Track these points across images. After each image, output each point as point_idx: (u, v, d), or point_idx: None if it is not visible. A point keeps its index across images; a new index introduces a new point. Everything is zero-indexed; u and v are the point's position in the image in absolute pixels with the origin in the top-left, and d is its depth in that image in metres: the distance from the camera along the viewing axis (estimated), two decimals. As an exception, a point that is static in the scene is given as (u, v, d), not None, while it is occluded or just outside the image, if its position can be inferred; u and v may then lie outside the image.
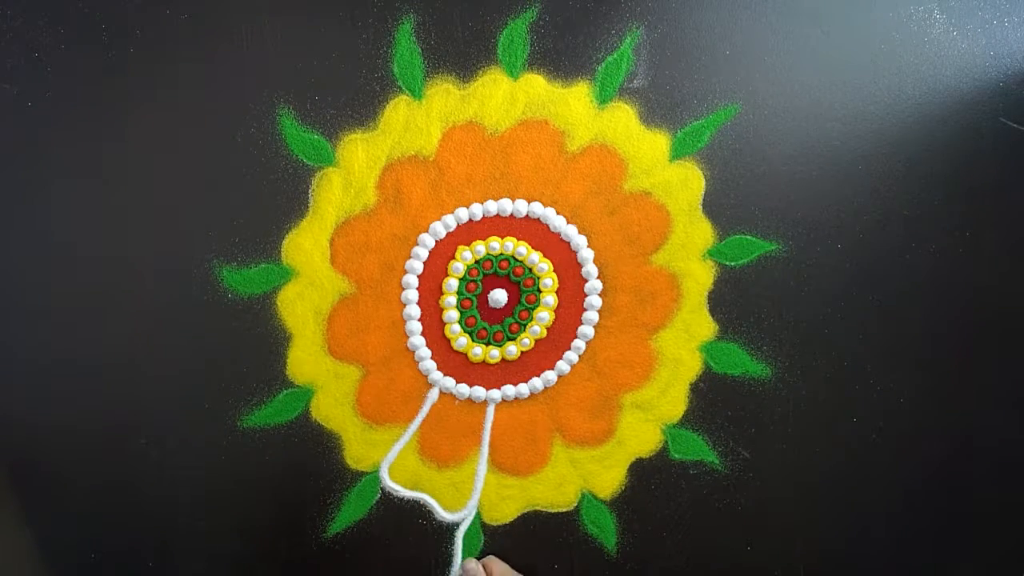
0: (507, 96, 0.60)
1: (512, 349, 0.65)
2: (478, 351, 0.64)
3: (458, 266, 0.62)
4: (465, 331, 0.64)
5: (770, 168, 0.63)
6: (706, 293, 0.64)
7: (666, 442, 0.67)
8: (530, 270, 0.63)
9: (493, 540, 0.67)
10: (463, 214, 0.62)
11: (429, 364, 0.64)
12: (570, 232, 0.63)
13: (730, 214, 0.63)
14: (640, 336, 0.65)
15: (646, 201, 0.63)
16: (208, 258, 0.60)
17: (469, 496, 0.66)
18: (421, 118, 0.60)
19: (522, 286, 0.64)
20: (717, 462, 0.67)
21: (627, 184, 0.62)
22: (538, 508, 0.67)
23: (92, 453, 0.62)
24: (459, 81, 0.60)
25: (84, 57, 0.57)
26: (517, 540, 0.67)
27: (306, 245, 0.61)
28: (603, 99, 0.61)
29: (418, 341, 0.64)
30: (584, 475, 0.67)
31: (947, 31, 0.62)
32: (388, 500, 0.65)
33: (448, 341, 0.64)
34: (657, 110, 0.61)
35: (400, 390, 0.64)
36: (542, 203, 0.62)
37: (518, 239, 0.63)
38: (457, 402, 0.65)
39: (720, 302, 0.65)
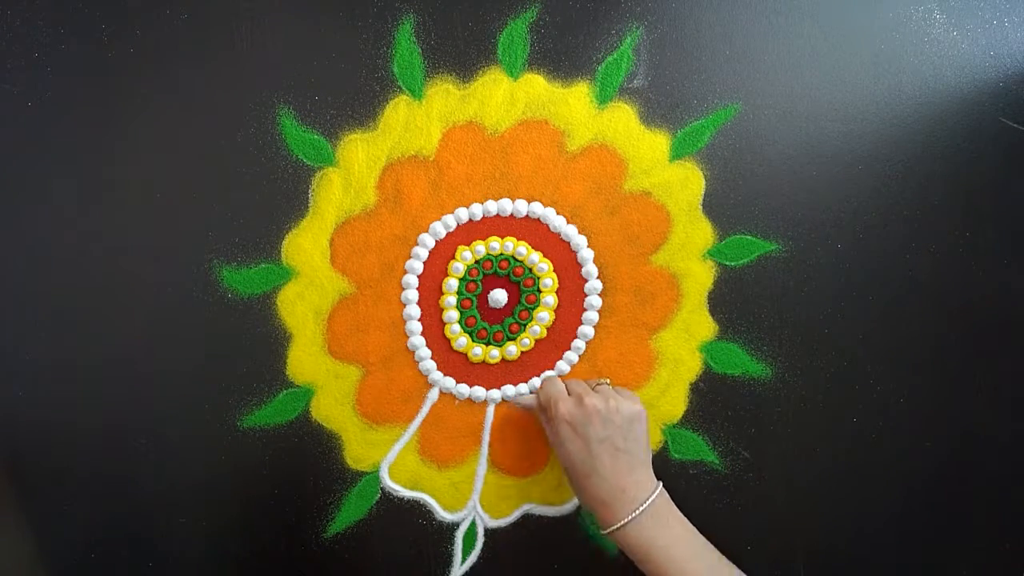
0: (507, 96, 0.60)
1: (512, 349, 0.65)
2: (478, 351, 0.64)
3: (458, 266, 0.62)
4: (465, 331, 0.64)
5: (770, 168, 0.63)
6: (706, 293, 0.64)
7: (666, 442, 0.67)
8: (530, 270, 0.63)
9: (493, 540, 0.67)
10: (463, 214, 0.62)
11: (429, 364, 0.64)
12: (570, 232, 0.63)
13: (730, 214, 0.63)
14: (640, 336, 0.65)
15: (646, 201, 0.63)
16: (208, 258, 0.60)
17: (469, 496, 0.66)
18: (421, 118, 0.60)
19: (522, 286, 0.64)
20: (717, 462, 0.67)
21: (627, 184, 0.62)
22: (538, 508, 0.67)
23: (92, 453, 0.62)
24: (459, 81, 0.60)
25: (84, 57, 0.57)
26: (517, 540, 0.67)
27: (306, 245, 0.61)
28: (603, 99, 0.61)
29: (418, 341, 0.64)
30: (584, 475, 0.67)
31: (947, 31, 0.62)
32: (388, 500, 0.65)
33: (448, 341, 0.64)
34: (657, 110, 0.61)
35: (400, 390, 0.64)
36: (542, 203, 0.62)
37: (518, 239, 0.63)
38: (457, 402, 0.65)
39: (720, 302, 0.65)
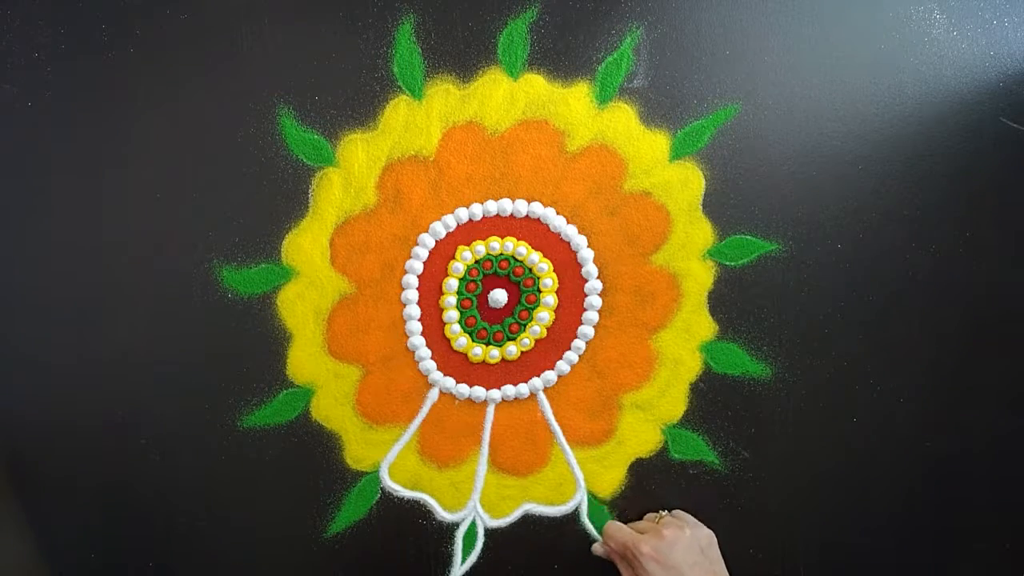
0: (507, 96, 0.60)
1: (512, 349, 0.65)
2: (478, 351, 0.64)
3: (458, 266, 0.62)
4: (465, 331, 0.64)
5: (770, 168, 0.63)
6: (706, 293, 0.64)
7: (666, 442, 0.67)
8: (530, 270, 0.63)
9: (493, 540, 0.67)
10: (463, 214, 0.62)
11: (429, 364, 0.64)
12: (570, 232, 0.63)
13: (730, 214, 0.63)
14: (640, 336, 0.65)
15: (646, 201, 0.63)
16: (208, 258, 0.60)
17: (469, 496, 0.66)
18: (421, 118, 0.60)
19: (522, 286, 0.64)
20: (717, 462, 0.67)
21: (627, 184, 0.62)
22: (538, 508, 0.67)
23: (92, 453, 0.62)
24: (459, 81, 0.60)
25: (84, 57, 0.57)
26: (517, 540, 0.67)
27: (306, 245, 0.61)
28: (603, 99, 0.61)
29: (418, 341, 0.64)
30: (584, 475, 0.67)
31: (947, 31, 0.62)
32: (388, 500, 0.65)
33: (448, 341, 0.64)
34: (657, 110, 0.61)
35: (400, 390, 0.64)
36: (542, 203, 0.62)
37: (518, 239, 0.63)
38: (457, 402, 0.65)
39: (720, 302, 0.65)
